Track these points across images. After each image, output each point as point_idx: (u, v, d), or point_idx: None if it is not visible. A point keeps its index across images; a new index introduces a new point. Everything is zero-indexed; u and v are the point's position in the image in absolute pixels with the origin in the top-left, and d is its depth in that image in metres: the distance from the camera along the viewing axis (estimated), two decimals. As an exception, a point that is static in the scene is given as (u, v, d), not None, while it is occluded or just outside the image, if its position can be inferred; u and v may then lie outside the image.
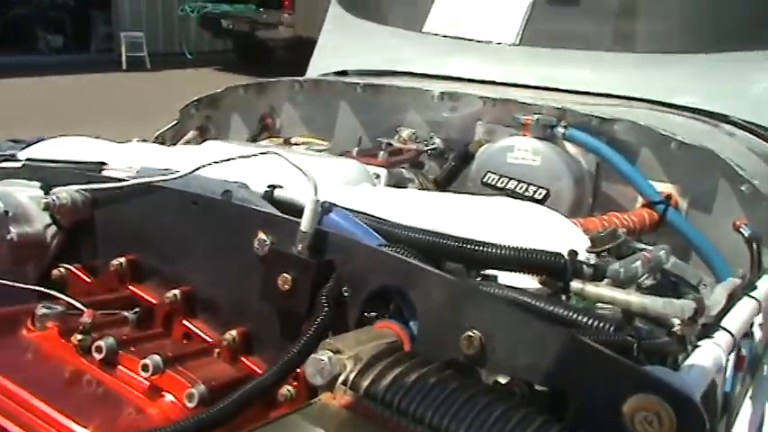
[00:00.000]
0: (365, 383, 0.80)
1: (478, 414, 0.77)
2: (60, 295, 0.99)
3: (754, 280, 1.39)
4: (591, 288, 0.98)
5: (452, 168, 1.84)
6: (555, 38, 2.37)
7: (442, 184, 1.82)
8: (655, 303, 0.95)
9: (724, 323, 1.08)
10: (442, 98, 1.92)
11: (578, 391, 0.82)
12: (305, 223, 0.96)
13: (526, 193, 1.71)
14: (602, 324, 0.90)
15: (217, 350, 0.99)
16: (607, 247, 1.20)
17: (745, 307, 1.21)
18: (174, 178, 1.06)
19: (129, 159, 1.28)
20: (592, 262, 1.03)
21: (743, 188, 1.61)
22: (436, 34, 2.52)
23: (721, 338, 0.99)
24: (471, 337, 0.86)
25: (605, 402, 0.79)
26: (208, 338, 1.03)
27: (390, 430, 0.78)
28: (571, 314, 0.91)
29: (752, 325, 1.37)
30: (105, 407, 0.85)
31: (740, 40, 2.27)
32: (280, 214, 1.03)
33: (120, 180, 1.11)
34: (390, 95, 2.00)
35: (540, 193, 1.71)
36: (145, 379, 0.87)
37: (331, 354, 0.83)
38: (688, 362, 0.90)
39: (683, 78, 2.24)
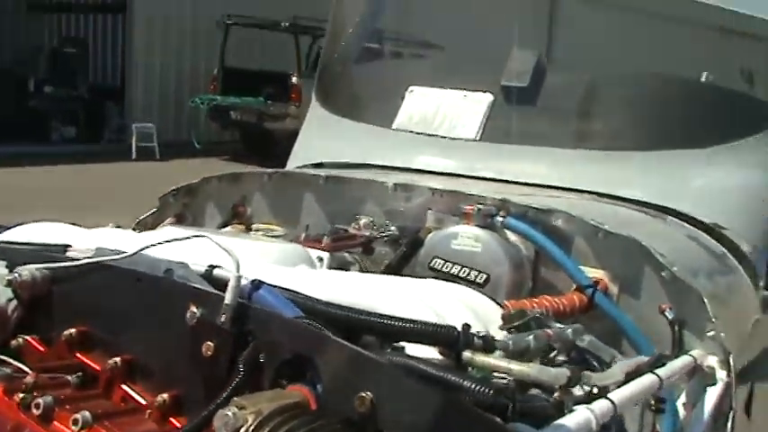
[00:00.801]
0: (261, 435, 0.93)
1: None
2: (10, 360, 1.13)
3: (663, 359, 1.51)
4: (479, 357, 1.11)
5: (404, 254, 1.98)
6: (512, 135, 2.56)
7: (395, 268, 1.96)
8: (531, 370, 1.08)
9: (612, 394, 1.20)
10: (396, 189, 2.08)
11: None
12: (228, 297, 1.10)
13: (468, 278, 1.84)
14: (481, 388, 1.02)
15: (148, 411, 1.11)
16: (516, 324, 1.34)
17: (642, 381, 1.33)
18: (120, 258, 1.21)
19: (94, 242, 1.43)
20: (482, 335, 1.16)
21: (663, 274, 1.74)
22: (405, 130, 2.70)
23: (598, 405, 1.11)
24: (363, 397, 0.99)
25: None
26: (144, 401, 1.15)
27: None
28: (455, 379, 1.03)
29: (661, 401, 1.48)
30: (38, 456, 0.98)
31: (681, 140, 2.45)
32: (209, 289, 1.17)
33: (75, 260, 1.26)
34: (350, 187, 2.16)
35: (482, 278, 1.84)
36: (76, 432, 1.00)
37: (236, 409, 0.96)
38: (556, 422, 1.02)
39: (629, 173, 2.41)
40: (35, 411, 1.02)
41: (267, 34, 16.26)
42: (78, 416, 0.99)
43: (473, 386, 1.02)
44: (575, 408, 1.08)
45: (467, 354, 1.11)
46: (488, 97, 2.57)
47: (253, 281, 1.20)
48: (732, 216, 2.35)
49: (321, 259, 1.63)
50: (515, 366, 1.08)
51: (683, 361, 1.59)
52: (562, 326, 1.41)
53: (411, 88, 2.74)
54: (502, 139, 2.54)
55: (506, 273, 1.84)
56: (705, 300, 1.70)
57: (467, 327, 1.15)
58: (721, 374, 1.67)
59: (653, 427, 1.52)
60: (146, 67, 16.59)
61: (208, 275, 1.27)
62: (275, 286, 1.23)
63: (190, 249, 1.32)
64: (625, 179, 2.38)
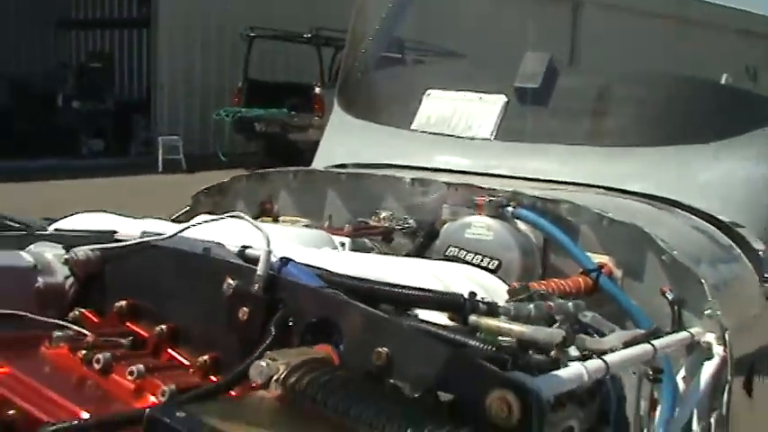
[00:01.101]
0: (291, 381, 1.07)
1: (371, 403, 1.02)
2: (72, 326, 1.28)
3: (659, 332, 1.63)
4: (484, 320, 1.24)
5: (421, 244, 2.12)
6: (526, 133, 2.69)
7: (413, 257, 2.09)
8: (529, 330, 1.21)
9: (606, 356, 1.33)
10: (413, 184, 2.22)
11: (459, 392, 1.08)
12: (260, 269, 1.25)
13: (481, 264, 1.98)
14: (483, 345, 1.16)
15: (192, 370, 1.26)
16: (520, 297, 1.47)
17: (636, 348, 1.45)
18: (164, 239, 1.36)
19: (137, 228, 1.59)
20: (486, 301, 1.29)
21: (664, 258, 1.86)
22: (423, 131, 2.84)
23: (591, 363, 1.24)
24: (380, 352, 1.13)
25: (476, 398, 1.04)
26: (187, 363, 1.30)
27: (308, 415, 1.04)
28: (461, 338, 1.17)
29: (658, 371, 1.60)
30: (101, 400, 1.13)
31: (688, 135, 2.57)
32: (244, 263, 1.32)
33: (124, 241, 1.42)
34: (370, 183, 2.31)
35: (494, 264, 1.97)
36: (131, 382, 1.16)
37: (269, 360, 1.10)
38: (551, 373, 1.15)
39: (637, 168, 2.53)
40: (96, 366, 1.18)
41: (290, 46, 16.54)
42: (134, 368, 1.15)
43: (476, 343, 1.16)
44: (569, 364, 1.21)
45: (473, 318, 1.24)
46: (503, 98, 2.70)
47: (281, 258, 1.34)
48: (738, 208, 2.46)
49: (343, 244, 1.77)
50: (515, 327, 1.21)
51: (678, 335, 1.71)
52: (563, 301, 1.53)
53: (428, 91, 2.87)
54: (516, 137, 2.67)
55: (516, 258, 1.97)
56: (703, 281, 1.82)
57: (473, 294, 1.28)
58: (718, 350, 1.78)
59: (651, 395, 1.64)
60: (171, 80, 16.92)
61: (241, 254, 1.41)
62: (300, 263, 1.37)
63: (224, 233, 1.47)
64: (633, 174, 2.49)
